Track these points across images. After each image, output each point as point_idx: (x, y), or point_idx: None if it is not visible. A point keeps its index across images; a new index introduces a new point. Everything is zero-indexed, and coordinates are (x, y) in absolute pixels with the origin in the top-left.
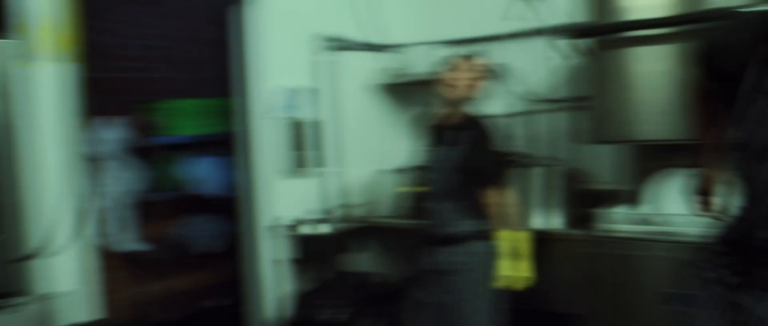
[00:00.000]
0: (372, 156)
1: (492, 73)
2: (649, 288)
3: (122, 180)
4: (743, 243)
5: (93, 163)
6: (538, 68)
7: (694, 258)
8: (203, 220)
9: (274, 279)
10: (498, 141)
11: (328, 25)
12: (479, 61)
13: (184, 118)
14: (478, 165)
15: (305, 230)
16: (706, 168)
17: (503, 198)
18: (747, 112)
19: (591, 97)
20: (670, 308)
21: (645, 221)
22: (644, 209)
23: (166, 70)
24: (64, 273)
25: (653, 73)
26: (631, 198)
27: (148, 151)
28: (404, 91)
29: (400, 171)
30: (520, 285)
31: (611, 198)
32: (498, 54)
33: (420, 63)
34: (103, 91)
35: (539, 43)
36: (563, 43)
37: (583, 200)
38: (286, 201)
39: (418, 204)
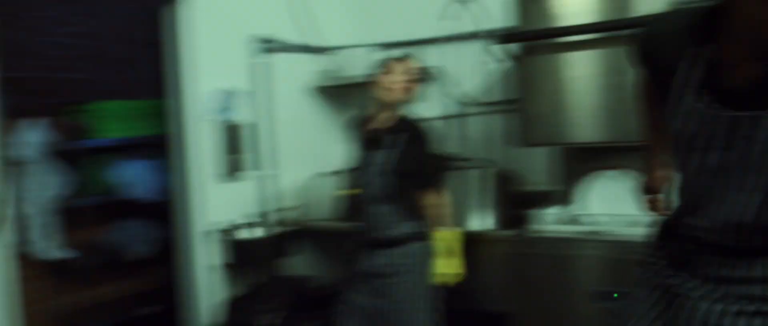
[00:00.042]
0: (308, 159)
1: (427, 76)
2: (579, 286)
3: (46, 185)
4: (676, 232)
5: (15, 166)
6: (473, 71)
7: (636, 251)
8: (134, 225)
9: (209, 285)
10: (433, 143)
11: (265, 26)
12: (414, 63)
13: (114, 120)
14: (415, 168)
15: (240, 234)
16: (653, 167)
17: (439, 200)
18: (678, 106)
19: (520, 100)
20: (599, 305)
21: (575, 221)
22: (574, 210)
23: (94, 71)
24: None
25: (582, 78)
26: (562, 199)
27: (74, 155)
28: (340, 93)
29: (337, 174)
30: (452, 281)
31: (543, 199)
32: (433, 57)
33: (356, 65)
34: (25, 91)
35: (474, 47)
36: (497, 48)
37: (516, 201)
38: (220, 205)
39: (355, 207)
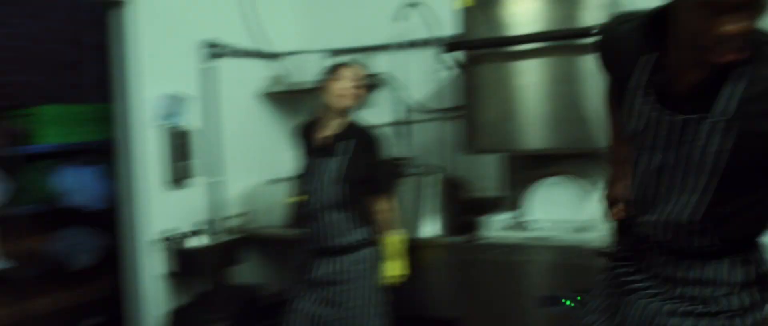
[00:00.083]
0: (256, 165)
1: (376, 82)
2: (526, 292)
3: None
4: (629, 229)
5: None
6: (423, 78)
7: (583, 257)
8: (77, 234)
9: (155, 295)
10: (383, 149)
11: (214, 31)
12: (363, 69)
13: (55, 125)
14: (366, 175)
15: (187, 242)
16: (616, 174)
17: (389, 205)
18: (631, 107)
19: (466, 107)
20: (546, 310)
21: (522, 227)
22: (522, 216)
23: (34, 74)
24: None
25: (529, 86)
26: (510, 205)
27: (11, 161)
28: (290, 99)
29: (285, 181)
30: (396, 282)
31: (491, 205)
32: (384, 63)
33: (306, 71)
34: None
35: (424, 54)
36: (446, 55)
37: (464, 208)
38: (167, 213)
39: (304, 214)
